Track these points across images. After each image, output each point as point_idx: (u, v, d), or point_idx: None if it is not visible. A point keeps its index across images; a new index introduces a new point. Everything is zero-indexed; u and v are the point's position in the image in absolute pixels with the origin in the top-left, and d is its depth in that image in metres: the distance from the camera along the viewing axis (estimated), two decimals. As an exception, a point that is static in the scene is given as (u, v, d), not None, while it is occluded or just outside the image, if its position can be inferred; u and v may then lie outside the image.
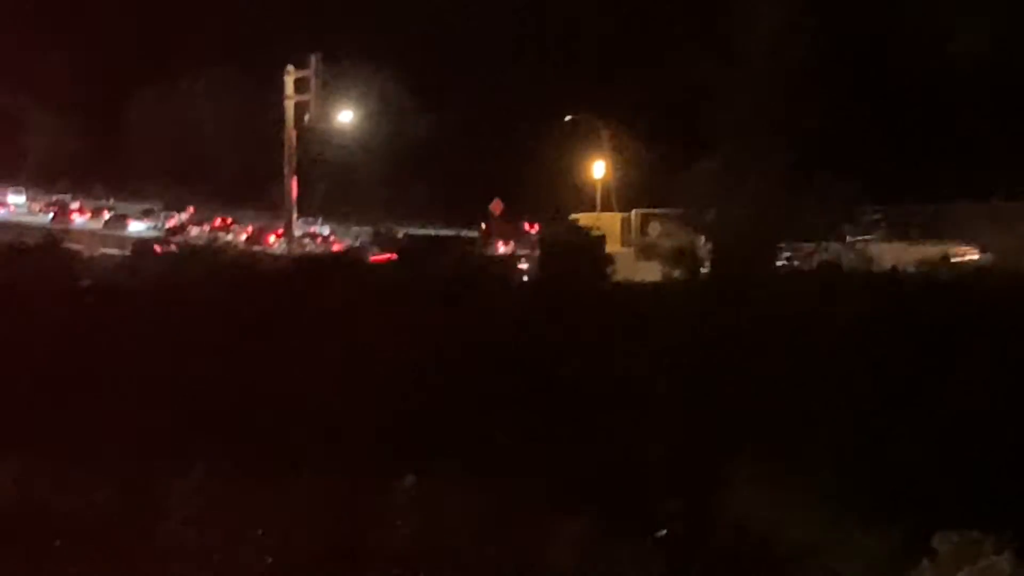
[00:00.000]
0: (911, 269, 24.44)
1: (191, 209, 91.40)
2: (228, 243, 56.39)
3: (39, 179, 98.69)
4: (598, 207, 59.94)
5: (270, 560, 19.05)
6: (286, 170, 49.25)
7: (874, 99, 38.96)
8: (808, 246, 31.60)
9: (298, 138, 49.42)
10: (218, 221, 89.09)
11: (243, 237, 75.42)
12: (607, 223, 53.13)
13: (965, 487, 18.75)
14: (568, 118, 69.28)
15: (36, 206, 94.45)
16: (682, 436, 19.96)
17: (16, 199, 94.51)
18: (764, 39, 39.75)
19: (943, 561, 17.73)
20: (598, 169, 64.17)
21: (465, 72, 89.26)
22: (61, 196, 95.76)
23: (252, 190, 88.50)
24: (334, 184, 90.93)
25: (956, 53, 38.72)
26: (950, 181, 38.10)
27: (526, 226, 60.58)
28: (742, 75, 39.91)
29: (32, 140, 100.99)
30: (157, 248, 34.58)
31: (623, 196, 59.91)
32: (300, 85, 49.20)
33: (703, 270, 24.60)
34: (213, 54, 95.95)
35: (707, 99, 41.34)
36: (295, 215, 51.31)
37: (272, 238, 75.24)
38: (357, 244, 62.67)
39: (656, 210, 48.88)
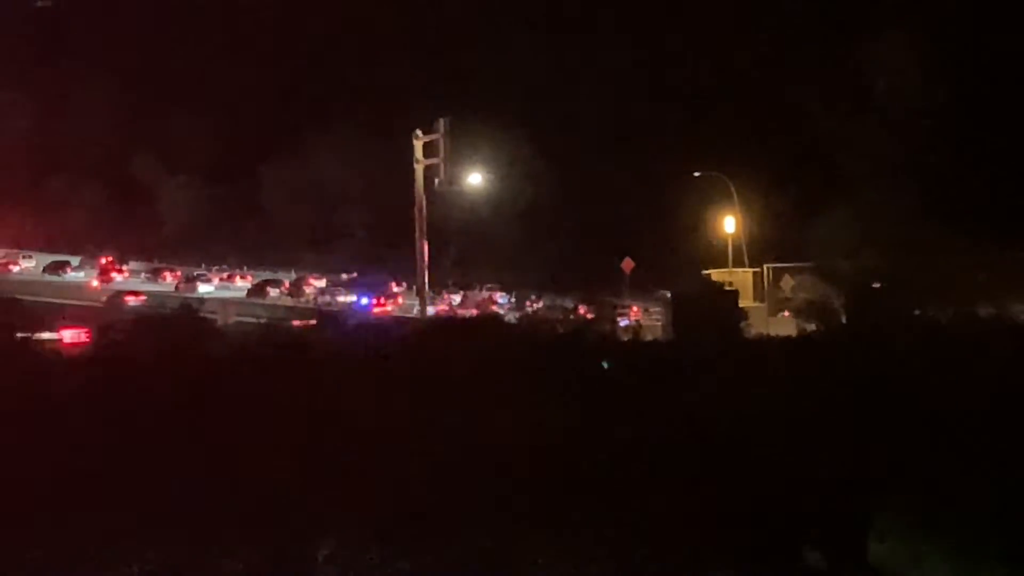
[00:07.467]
0: None
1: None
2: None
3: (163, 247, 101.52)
4: (729, 262, 59.42)
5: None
6: (417, 234, 49.43)
7: (1013, 143, 37.95)
8: None
9: (428, 202, 49.66)
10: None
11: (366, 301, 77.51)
12: (739, 278, 52.68)
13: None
14: (697, 174, 68.99)
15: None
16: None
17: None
18: (896, 85, 39.07)
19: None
20: (728, 224, 63.69)
21: (593, 131, 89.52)
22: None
23: (382, 253, 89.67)
24: (465, 247, 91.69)
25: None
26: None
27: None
28: (875, 123, 39.23)
29: (161, 208, 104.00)
30: None
31: (755, 250, 59.33)
32: (428, 149, 49.53)
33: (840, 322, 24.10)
34: (339, 121, 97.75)
35: (838, 149, 40.70)
36: (427, 279, 51.40)
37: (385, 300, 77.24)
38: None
39: (789, 264, 48.22)
